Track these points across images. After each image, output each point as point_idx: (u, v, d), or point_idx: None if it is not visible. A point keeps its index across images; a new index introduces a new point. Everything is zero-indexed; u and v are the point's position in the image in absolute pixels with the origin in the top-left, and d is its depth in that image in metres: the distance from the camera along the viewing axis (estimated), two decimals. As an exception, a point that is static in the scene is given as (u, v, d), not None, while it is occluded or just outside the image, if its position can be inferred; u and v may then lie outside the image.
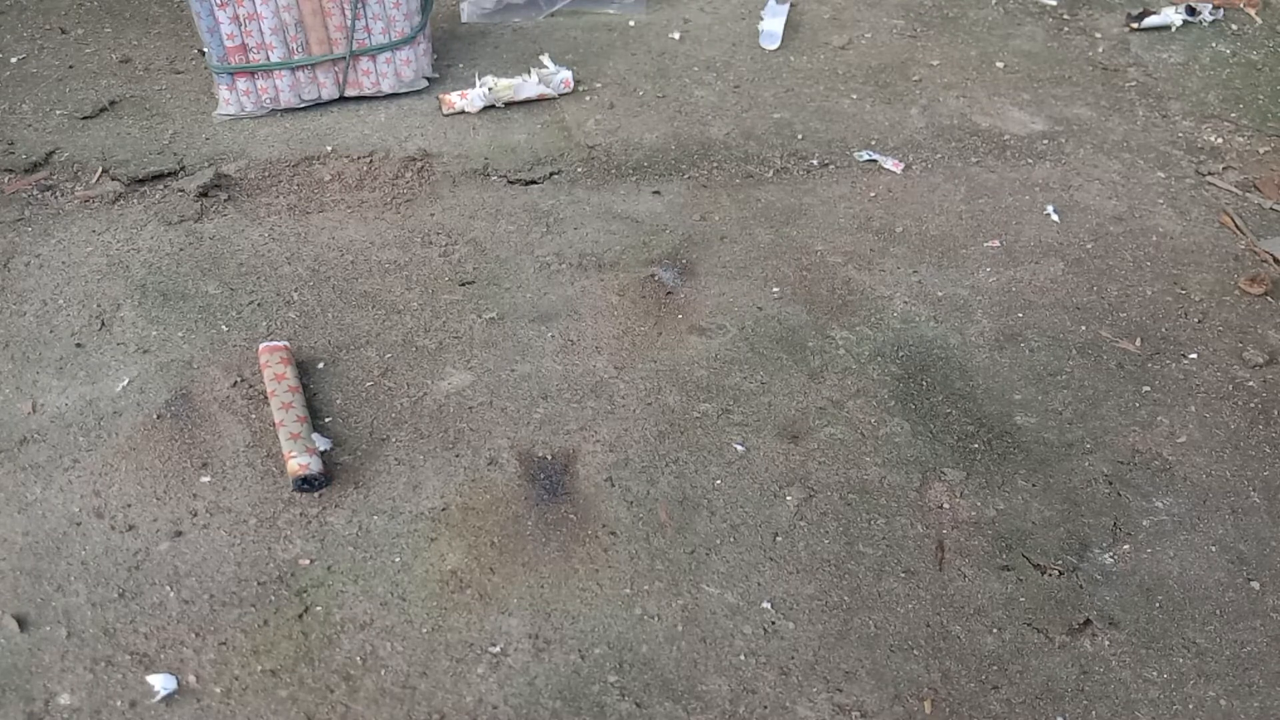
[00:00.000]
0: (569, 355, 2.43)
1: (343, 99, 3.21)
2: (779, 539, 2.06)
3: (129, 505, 2.04)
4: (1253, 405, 2.39)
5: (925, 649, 1.89)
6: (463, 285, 2.61)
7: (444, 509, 2.07)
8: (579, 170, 3.03)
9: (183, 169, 2.92)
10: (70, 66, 3.31)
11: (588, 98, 3.34)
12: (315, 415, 2.24)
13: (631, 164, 3.07)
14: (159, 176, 2.89)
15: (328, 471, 2.10)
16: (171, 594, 1.90)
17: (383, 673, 1.81)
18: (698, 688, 1.81)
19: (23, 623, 1.84)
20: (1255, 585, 2.02)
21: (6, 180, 2.85)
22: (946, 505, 2.14)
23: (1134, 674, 1.87)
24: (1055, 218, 2.94)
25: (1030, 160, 3.17)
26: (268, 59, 3.02)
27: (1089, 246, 2.84)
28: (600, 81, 3.41)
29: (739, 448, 2.23)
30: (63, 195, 2.81)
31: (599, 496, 2.11)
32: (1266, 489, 2.21)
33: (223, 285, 2.56)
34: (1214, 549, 2.09)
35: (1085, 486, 2.20)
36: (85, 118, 3.08)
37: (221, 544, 1.99)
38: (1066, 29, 3.86)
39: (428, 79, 3.30)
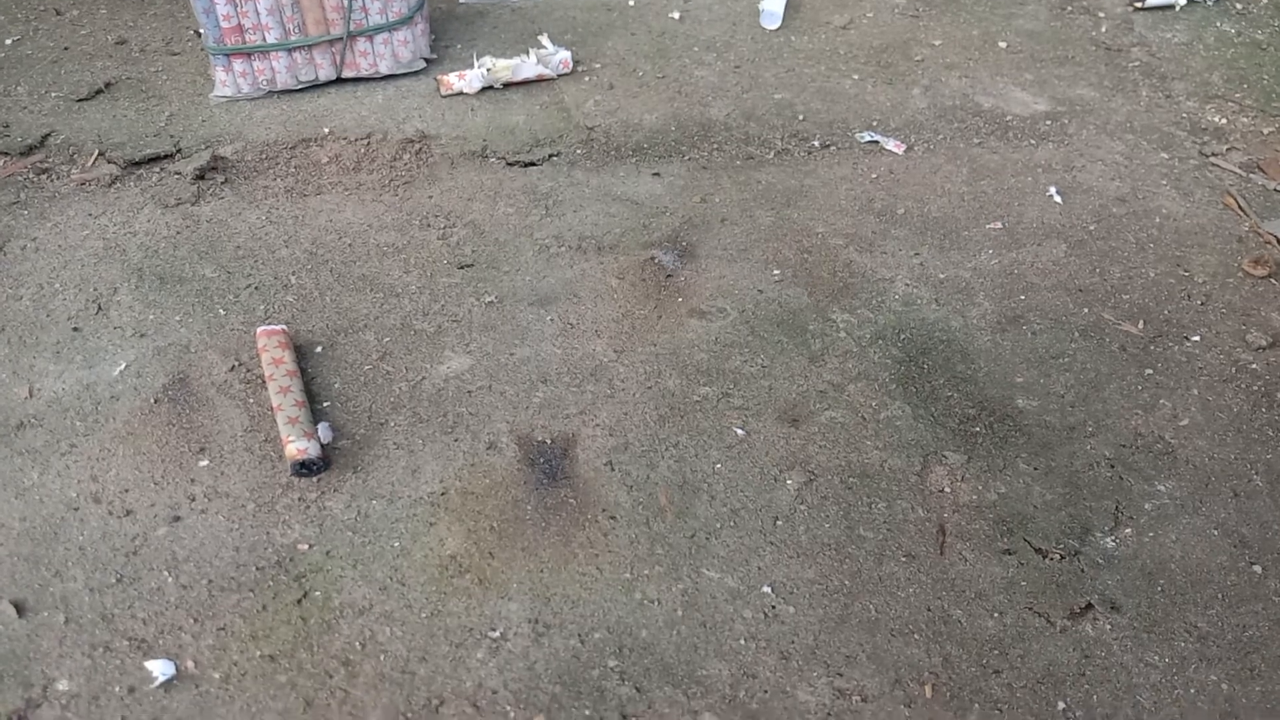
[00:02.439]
0: (568, 339, 2.41)
1: (340, 80, 3.18)
2: (779, 523, 2.05)
3: (126, 490, 2.03)
4: (1256, 388, 2.38)
5: (926, 633, 1.89)
6: (461, 268, 2.59)
7: (443, 493, 2.07)
8: (578, 152, 3.01)
9: (179, 151, 2.90)
10: (65, 48, 3.28)
11: (587, 78, 3.31)
12: (313, 399, 2.23)
13: (631, 145, 3.05)
14: (155, 159, 2.88)
15: (326, 456, 2.09)
16: (169, 579, 1.90)
17: (382, 657, 1.80)
18: (698, 672, 1.81)
19: (21, 608, 1.84)
20: (1257, 569, 2.02)
21: (2, 164, 2.83)
22: (948, 489, 2.13)
23: (1135, 658, 1.87)
24: (1058, 199, 2.92)
25: (1033, 141, 3.15)
26: (264, 40, 2.99)
27: (1091, 228, 2.82)
28: (599, 62, 3.38)
29: (739, 431, 2.22)
30: (59, 178, 2.79)
31: (599, 481, 2.11)
32: (1269, 472, 2.20)
33: (220, 268, 2.55)
34: (1216, 532, 2.08)
35: (1087, 470, 2.19)
36: (81, 100, 3.06)
37: (220, 529, 1.98)
38: (1070, 8, 3.82)
39: (425, 60, 3.28)
